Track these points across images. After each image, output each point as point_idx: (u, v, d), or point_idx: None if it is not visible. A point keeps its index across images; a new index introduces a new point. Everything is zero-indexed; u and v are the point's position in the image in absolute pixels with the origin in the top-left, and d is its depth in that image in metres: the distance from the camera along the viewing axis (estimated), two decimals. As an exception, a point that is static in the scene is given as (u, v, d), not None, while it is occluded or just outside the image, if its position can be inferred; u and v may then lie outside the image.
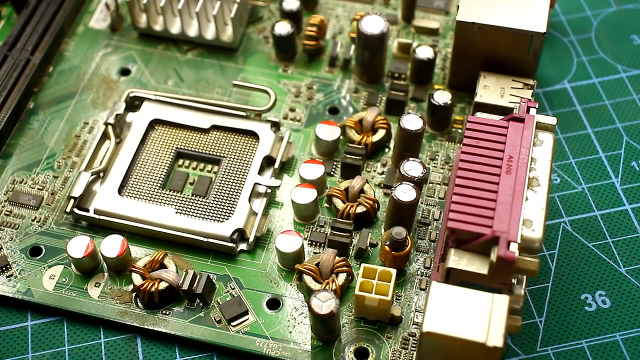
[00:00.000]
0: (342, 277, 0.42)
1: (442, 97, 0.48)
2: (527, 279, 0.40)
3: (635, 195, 0.48)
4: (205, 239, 0.44)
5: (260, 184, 0.46)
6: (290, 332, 0.42)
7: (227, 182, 0.47)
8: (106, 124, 0.48)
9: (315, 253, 0.44)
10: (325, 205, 0.46)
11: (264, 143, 0.48)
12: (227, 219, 0.45)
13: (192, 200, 0.46)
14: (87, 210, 0.46)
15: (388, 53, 0.52)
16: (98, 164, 0.48)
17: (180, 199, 0.46)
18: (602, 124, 0.51)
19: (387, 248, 0.42)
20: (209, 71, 0.53)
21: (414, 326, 0.42)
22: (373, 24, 0.48)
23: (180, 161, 0.48)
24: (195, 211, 0.46)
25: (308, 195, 0.45)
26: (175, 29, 0.53)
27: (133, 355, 0.42)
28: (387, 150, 0.49)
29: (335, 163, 0.48)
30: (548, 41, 0.55)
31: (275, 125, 0.49)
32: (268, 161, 0.47)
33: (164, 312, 0.43)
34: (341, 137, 0.48)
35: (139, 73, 0.52)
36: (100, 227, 0.46)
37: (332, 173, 0.48)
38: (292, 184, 0.47)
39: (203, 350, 0.43)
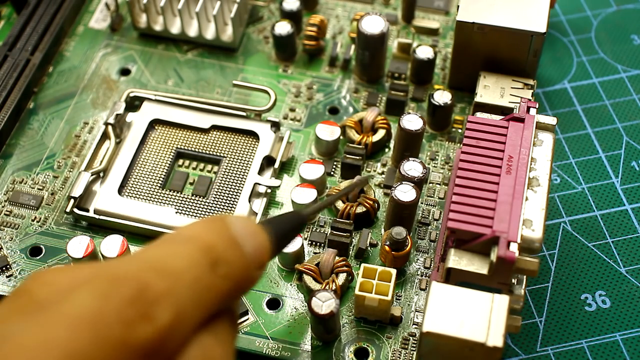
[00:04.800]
0: (342, 277, 0.42)
1: (442, 97, 0.48)
2: (527, 279, 0.40)
3: (635, 195, 0.48)
4: (205, 239, 0.44)
5: (260, 184, 0.46)
6: (290, 332, 0.42)
7: (227, 182, 0.47)
8: (106, 124, 0.48)
9: (315, 253, 0.44)
10: (325, 205, 0.46)
11: (264, 143, 0.48)
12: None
13: (192, 200, 0.46)
14: (87, 210, 0.46)
15: (388, 53, 0.52)
16: (98, 164, 0.48)
17: (180, 199, 0.46)
18: (602, 124, 0.51)
19: (387, 248, 0.42)
20: (209, 71, 0.53)
21: (414, 326, 0.42)
22: (373, 24, 0.48)
23: (180, 161, 0.48)
24: (195, 211, 0.46)
25: (308, 195, 0.45)
26: (175, 29, 0.53)
27: (133, 355, 0.42)
28: (387, 150, 0.49)
29: (335, 163, 0.48)
30: (548, 41, 0.55)
31: (275, 125, 0.49)
32: (268, 161, 0.47)
33: (164, 312, 0.43)
34: (341, 137, 0.48)
35: (139, 73, 0.52)
36: (100, 227, 0.46)
37: (332, 173, 0.48)
38: (292, 184, 0.47)
39: (203, 350, 0.43)
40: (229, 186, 0.47)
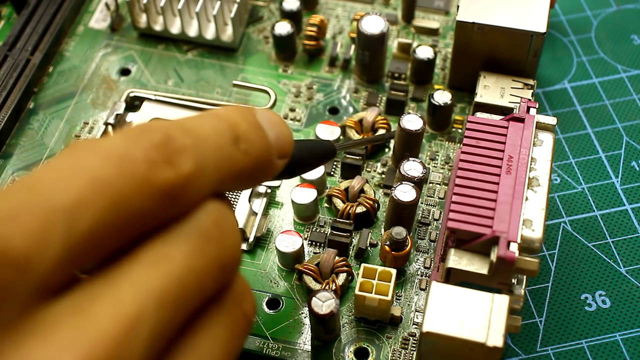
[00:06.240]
0: (342, 277, 0.42)
1: (442, 97, 0.48)
2: (527, 279, 0.40)
3: (635, 195, 0.48)
4: (205, 239, 0.44)
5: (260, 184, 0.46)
6: (290, 332, 0.42)
7: (227, 182, 0.47)
8: (106, 124, 0.48)
9: (315, 253, 0.44)
10: (325, 205, 0.46)
11: (264, 143, 0.47)
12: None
13: (192, 200, 0.46)
14: (87, 210, 0.46)
15: (388, 53, 0.52)
16: (98, 164, 0.48)
17: (180, 199, 0.46)
18: (602, 124, 0.51)
19: (387, 248, 0.42)
20: (209, 71, 0.53)
21: (414, 326, 0.42)
22: (373, 24, 0.48)
23: (180, 161, 0.48)
24: (195, 211, 0.46)
25: (308, 195, 0.45)
26: (175, 29, 0.53)
27: (133, 355, 0.42)
28: (387, 150, 0.49)
29: (335, 163, 0.48)
30: (548, 41, 0.55)
31: (275, 125, 0.49)
32: (268, 161, 0.47)
33: (164, 312, 0.43)
34: (341, 137, 0.48)
35: (139, 73, 0.52)
36: (100, 227, 0.46)
37: (332, 173, 0.48)
38: (292, 184, 0.47)
39: (203, 350, 0.43)
40: (229, 186, 0.47)
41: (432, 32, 0.54)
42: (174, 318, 0.26)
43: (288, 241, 0.43)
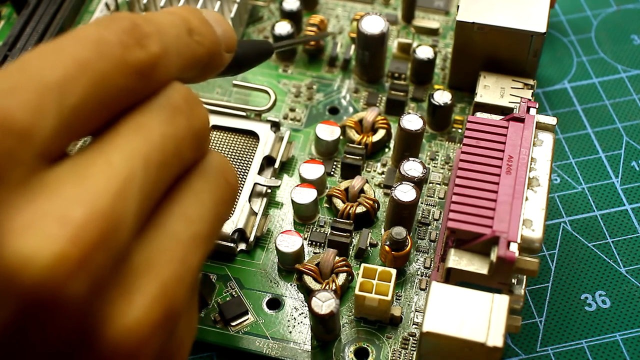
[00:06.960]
0: (342, 277, 0.42)
1: (442, 97, 0.48)
2: (527, 279, 0.40)
3: (635, 195, 0.48)
4: (205, 239, 0.44)
5: (260, 184, 0.46)
6: (290, 332, 0.42)
7: (227, 182, 0.47)
8: (106, 124, 0.48)
9: (315, 253, 0.44)
10: (325, 205, 0.46)
11: (264, 143, 0.48)
12: (226, 219, 0.45)
13: (192, 200, 0.46)
14: (87, 210, 0.46)
15: (388, 53, 0.52)
16: (98, 164, 0.47)
17: (180, 199, 0.46)
18: (602, 124, 0.51)
19: (387, 248, 0.42)
20: (209, 71, 0.52)
21: (414, 326, 0.42)
22: (373, 24, 0.48)
23: (180, 161, 0.48)
24: (195, 211, 0.46)
25: (308, 195, 0.45)
26: (175, 29, 0.53)
27: (133, 355, 0.42)
28: (387, 150, 0.49)
29: (335, 163, 0.48)
30: (548, 41, 0.55)
31: (275, 125, 0.49)
32: (268, 161, 0.47)
33: (164, 312, 0.43)
34: (341, 137, 0.48)
35: (139, 73, 0.52)
36: (100, 227, 0.46)
37: (332, 173, 0.48)
38: (292, 184, 0.47)
39: (203, 350, 0.43)
40: (229, 186, 0.47)
41: (432, 32, 0.54)
42: (160, 180, 0.29)
43: (288, 241, 0.43)
